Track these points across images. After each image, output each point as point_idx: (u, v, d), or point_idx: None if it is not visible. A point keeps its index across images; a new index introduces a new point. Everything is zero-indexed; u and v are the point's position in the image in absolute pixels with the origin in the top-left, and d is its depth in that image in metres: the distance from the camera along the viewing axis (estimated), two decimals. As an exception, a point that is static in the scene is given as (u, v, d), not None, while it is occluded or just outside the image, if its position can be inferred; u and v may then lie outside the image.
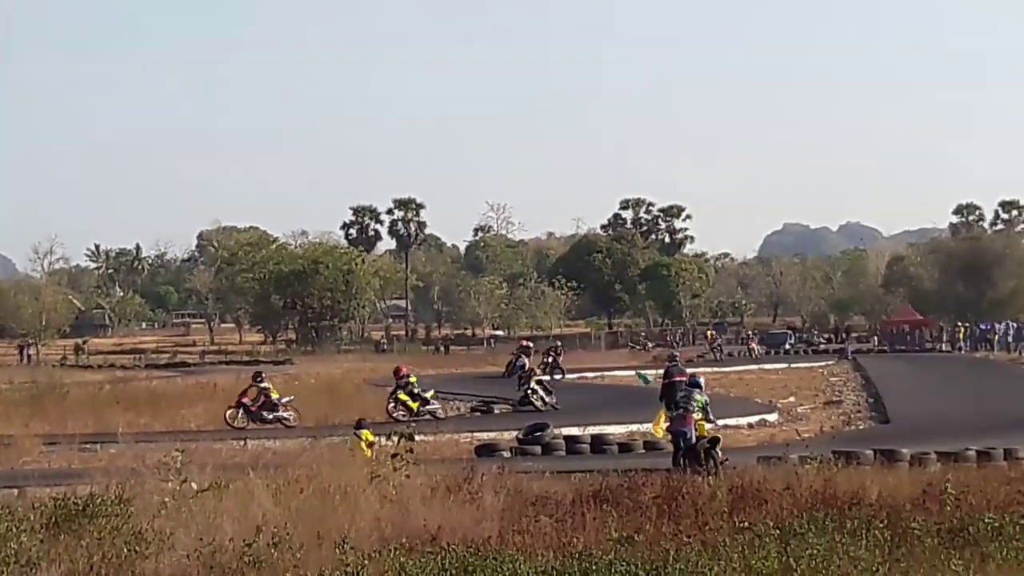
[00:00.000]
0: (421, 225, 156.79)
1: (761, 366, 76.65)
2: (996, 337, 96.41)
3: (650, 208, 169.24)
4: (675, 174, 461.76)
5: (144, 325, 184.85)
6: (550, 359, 63.98)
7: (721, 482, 20.47)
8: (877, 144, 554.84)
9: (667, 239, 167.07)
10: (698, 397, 27.06)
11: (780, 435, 37.67)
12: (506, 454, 30.09)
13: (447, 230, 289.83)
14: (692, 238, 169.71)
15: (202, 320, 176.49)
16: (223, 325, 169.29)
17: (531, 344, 63.26)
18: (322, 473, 19.82)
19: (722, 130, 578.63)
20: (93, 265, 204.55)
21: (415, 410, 41.07)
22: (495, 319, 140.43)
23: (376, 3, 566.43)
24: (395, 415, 40.80)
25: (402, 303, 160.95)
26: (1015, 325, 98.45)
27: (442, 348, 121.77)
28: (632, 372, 59.49)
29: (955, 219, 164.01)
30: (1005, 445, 28.87)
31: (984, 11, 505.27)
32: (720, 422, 36.24)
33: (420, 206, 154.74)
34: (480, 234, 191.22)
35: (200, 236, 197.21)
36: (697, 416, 26.53)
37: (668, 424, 27.63)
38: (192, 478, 17.74)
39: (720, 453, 26.31)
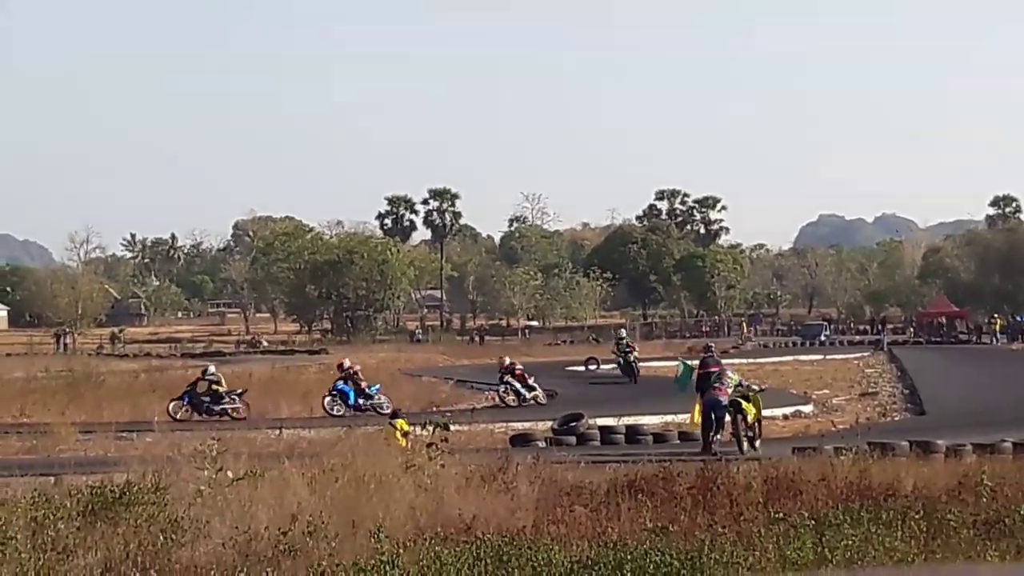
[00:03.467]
0: (456, 215, 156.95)
1: (797, 357, 76.51)
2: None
3: (685, 199, 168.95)
4: (711, 165, 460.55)
5: (180, 314, 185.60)
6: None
7: (756, 473, 20.42)
8: (912, 135, 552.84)
9: (702, 230, 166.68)
10: (732, 375, 29.51)
11: (815, 426, 37.56)
12: (541, 444, 30.07)
13: (482, 220, 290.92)
14: (727, 229, 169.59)
15: (237, 310, 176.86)
16: (258, 315, 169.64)
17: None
18: (357, 462, 19.80)
19: (756, 121, 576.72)
20: (129, 254, 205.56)
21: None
22: (530, 309, 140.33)
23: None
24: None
25: (437, 293, 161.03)
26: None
27: (477, 338, 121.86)
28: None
29: (991, 211, 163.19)
30: (1041, 437, 28.73)
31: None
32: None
33: (455, 196, 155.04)
34: (515, 224, 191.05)
35: (236, 226, 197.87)
36: (730, 391, 28.63)
37: (705, 396, 28.85)
38: (228, 467, 17.76)
39: (749, 419, 27.88)
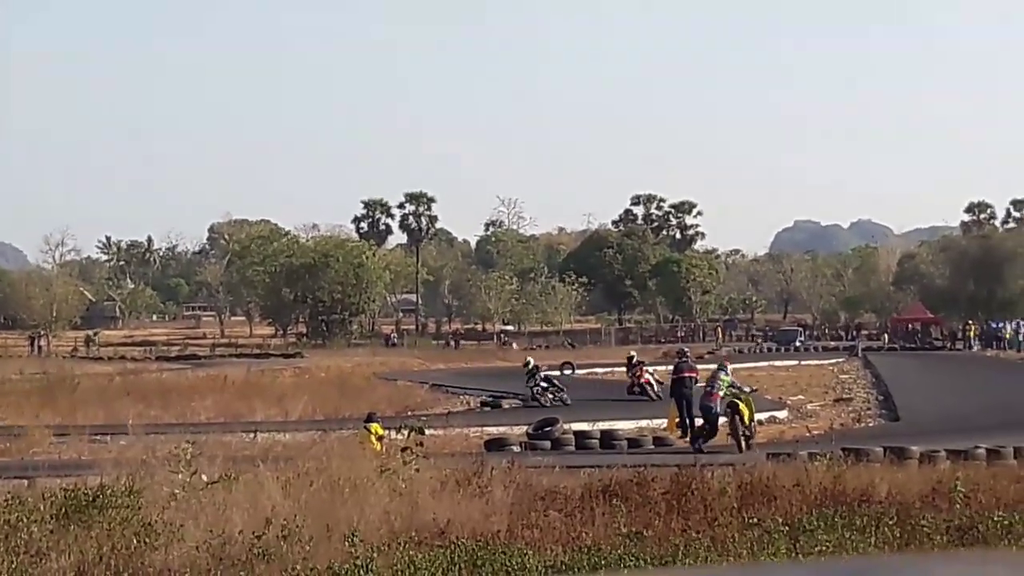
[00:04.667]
0: (432, 219, 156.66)
1: (771, 363, 76.60)
2: (1007, 336, 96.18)
3: (661, 204, 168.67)
4: (687, 170, 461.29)
5: (155, 317, 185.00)
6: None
7: (731, 479, 20.44)
8: (888, 142, 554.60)
9: (678, 235, 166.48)
10: (723, 377, 30.10)
11: (790, 432, 37.67)
12: (516, 448, 30.12)
13: (458, 224, 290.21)
14: (703, 234, 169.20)
15: (213, 313, 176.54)
16: (234, 318, 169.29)
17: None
18: (332, 466, 19.79)
19: (733, 127, 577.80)
20: (104, 257, 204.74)
21: None
22: (505, 314, 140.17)
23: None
24: None
25: (412, 297, 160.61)
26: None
27: (452, 342, 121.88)
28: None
29: (966, 217, 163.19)
30: (1015, 443, 28.79)
31: (993, 8, 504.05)
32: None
33: (431, 200, 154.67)
34: (491, 229, 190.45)
35: (211, 229, 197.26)
36: (722, 393, 29.36)
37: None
38: (202, 470, 17.72)
39: (746, 420, 28.29)
